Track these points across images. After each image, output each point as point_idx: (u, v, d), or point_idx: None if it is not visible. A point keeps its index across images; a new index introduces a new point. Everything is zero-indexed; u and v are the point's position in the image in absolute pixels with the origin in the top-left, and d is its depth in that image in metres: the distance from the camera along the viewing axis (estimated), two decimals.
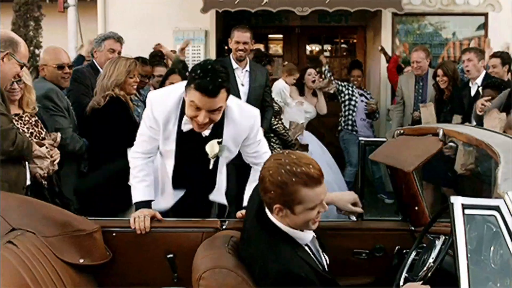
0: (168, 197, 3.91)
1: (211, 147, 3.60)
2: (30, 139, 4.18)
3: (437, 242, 3.03)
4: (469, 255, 1.82)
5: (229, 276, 2.70)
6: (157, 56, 7.83)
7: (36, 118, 4.53)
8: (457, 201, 1.84)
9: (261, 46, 11.30)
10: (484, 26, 9.88)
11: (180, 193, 3.89)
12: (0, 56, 3.81)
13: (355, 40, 11.85)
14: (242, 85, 6.39)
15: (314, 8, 8.90)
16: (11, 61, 3.86)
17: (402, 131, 3.49)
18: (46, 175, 4.29)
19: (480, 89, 6.39)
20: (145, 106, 5.81)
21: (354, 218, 3.73)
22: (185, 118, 3.50)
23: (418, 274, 3.01)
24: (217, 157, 3.68)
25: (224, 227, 3.56)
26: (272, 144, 6.72)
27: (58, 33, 10.59)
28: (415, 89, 7.80)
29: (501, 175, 1.88)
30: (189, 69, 3.68)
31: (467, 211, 1.83)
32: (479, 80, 6.60)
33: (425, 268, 2.96)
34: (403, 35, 10.02)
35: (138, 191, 3.75)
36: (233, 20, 9.96)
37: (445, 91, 6.99)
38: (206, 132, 3.57)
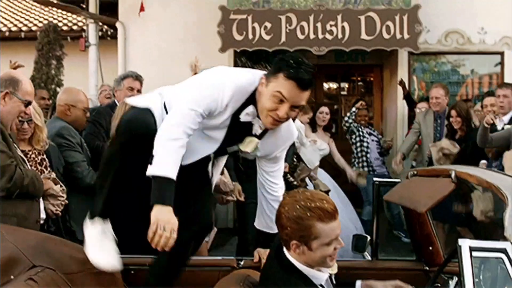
0: None
1: (249, 143, 3.26)
2: (45, 176, 4.28)
3: (450, 282, 3.07)
4: None
5: None
6: None
7: (44, 156, 4.56)
8: (465, 244, 1.89)
9: None
10: (501, 64, 9.93)
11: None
12: (0, 95, 3.87)
13: (371, 78, 11.94)
14: None
15: (331, 47, 9.07)
16: (12, 100, 3.91)
17: (415, 172, 3.55)
18: (58, 212, 4.38)
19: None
20: None
21: (368, 257, 3.77)
22: (248, 108, 3.14)
23: None
24: (239, 156, 3.50)
25: (240, 265, 3.62)
26: None
27: (79, 71, 10.79)
28: (434, 127, 7.82)
29: (508, 218, 1.93)
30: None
31: (474, 253, 1.88)
32: (506, 118, 6.49)
33: None
34: (419, 73, 10.10)
35: (167, 162, 2.95)
36: (251, 59, 10.12)
37: (458, 132, 6.99)
38: (259, 130, 3.25)
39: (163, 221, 2.83)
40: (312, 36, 9.07)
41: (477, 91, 9.98)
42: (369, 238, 3.77)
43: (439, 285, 3.24)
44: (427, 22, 9.40)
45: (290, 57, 3.03)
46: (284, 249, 2.83)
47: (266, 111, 3.04)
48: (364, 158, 8.65)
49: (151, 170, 2.90)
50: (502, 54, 9.90)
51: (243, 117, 3.15)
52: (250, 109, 3.13)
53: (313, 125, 8.31)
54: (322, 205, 2.69)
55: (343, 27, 9.05)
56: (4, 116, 3.90)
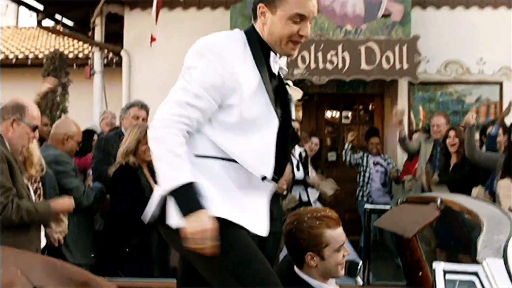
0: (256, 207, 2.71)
1: (293, 90, 2.87)
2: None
3: None
4: None
5: None
6: None
7: (39, 185, 4.59)
8: (439, 266, 2.00)
9: None
10: (499, 94, 10.06)
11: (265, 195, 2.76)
12: (8, 122, 3.94)
13: (373, 107, 12.05)
14: None
15: (332, 77, 9.22)
16: (20, 125, 3.98)
17: (405, 199, 3.66)
18: (61, 239, 4.48)
19: None
20: None
21: (360, 282, 3.86)
22: (273, 55, 2.71)
23: None
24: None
25: None
26: None
27: (84, 98, 10.95)
28: (432, 154, 7.87)
29: (481, 242, 2.03)
30: None
31: (448, 276, 1.99)
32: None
33: None
34: (419, 103, 10.23)
35: (183, 168, 2.51)
36: None
37: (453, 157, 7.00)
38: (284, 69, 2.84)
39: (199, 232, 2.42)
40: (313, 65, 9.23)
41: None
42: (361, 263, 3.86)
43: None
44: (426, 52, 9.57)
45: None
46: (295, 268, 2.97)
47: (287, 38, 2.65)
48: (365, 188, 8.75)
49: (171, 181, 2.49)
50: (501, 84, 10.03)
51: (274, 66, 2.71)
52: (273, 55, 2.71)
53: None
54: (327, 214, 2.92)
55: (343, 57, 9.21)
56: (14, 143, 3.98)
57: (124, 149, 5.31)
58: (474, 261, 2.01)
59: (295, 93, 2.86)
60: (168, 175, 2.52)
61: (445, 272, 2.00)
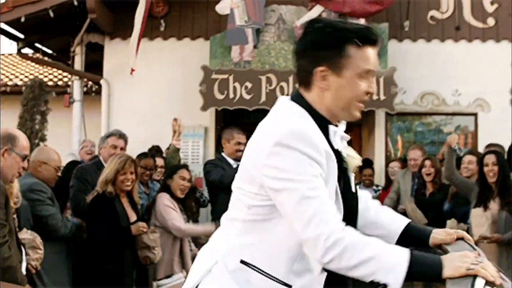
0: None
1: (351, 158, 2.45)
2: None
3: None
4: None
5: None
6: (154, 150, 8.20)
7: (14, 216, 4.39)
8: None
9: None
10: (475, 125, 10.24)
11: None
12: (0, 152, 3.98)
13: (351, 137, 12.15)
14: None
15: None
16: (11, 155, 4.02)
17: None
18: (38, 266, 4.49)
19: None
20: (149, 199, 6.11)
21: None
22: (333, 129, 2.31)
23: None
24: None
25: None
26: None
27: (63, 126, 10.96)
28: (412, 185, 7.99)
29: (448, 280, 2.08)
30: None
31: None
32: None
33: None
34: (397, 133, 10.36)
35: (394, 251, 2.08)
36: (232, 117, 10.34)
37: (428, 185, 7.17)
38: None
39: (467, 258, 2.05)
40: None
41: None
42: None
43: None
44: (403, 84, 9.70)
45: (344, 24, 2.33)
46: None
47: (357, 99, 2.32)
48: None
49: (394, 280, 2.00)
50: (476, 115, 10.21)
51: (337, 143, 2.32)
52: (333, 129, 2.32)
53: None
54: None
55: None
56: (6, 172, 4.01)
57: (103, 178, 5.37)
58: None
59: (355, 162, 2.46)
60: (387, 261, 2.04)
61: None
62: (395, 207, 7.91)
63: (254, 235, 2.30)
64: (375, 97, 9.24)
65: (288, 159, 2.14)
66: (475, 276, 2.00)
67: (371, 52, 2.29)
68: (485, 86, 10.01)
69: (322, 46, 2.27)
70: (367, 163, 9.54)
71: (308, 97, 2.34)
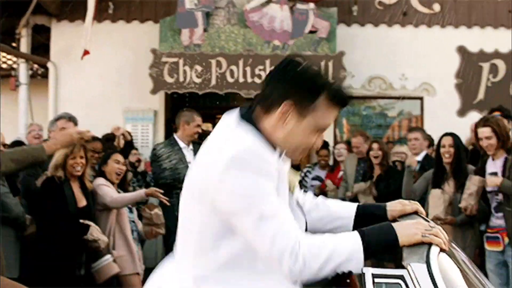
0: None
1: (293, 178, 2.50)
2: None
3: None
4: None
5: None
6: (109, 140, 8.15)
7: None
8: (368, 271, 2.13)
9: (209, 126, 11.60)
10: (421, 108, 10.47)
11: None
12: None
13: None
14: (190, 162, 6.58)
15: (259, 91, 9.35)
16: None
17: None
18: None
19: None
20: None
21: None
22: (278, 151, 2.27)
23: None
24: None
25: None
26: None
27: (10, 109, 10.71)
28: (356, 170, 8.13)
29: (405, 249, 2.18)
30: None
31: (376, 280, 2.12)
32: (420, 157, 7.07)
33: None
34: (344, 116, 10.50)
35: (346, 239, 2.14)
36: (182, 101, 10.34)
37: (377, 169, 7.28)
38: None
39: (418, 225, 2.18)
40: (241, 79, 9.39)
41: (398, 135, 10.49)
42: None
43: None
44: (351, 68, 9.83)
45: (326, 76, 2.32)
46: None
47: (302, 149, 2.33)
48: None
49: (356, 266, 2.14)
50: (422, 99, 10.44)
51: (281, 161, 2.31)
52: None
53: None
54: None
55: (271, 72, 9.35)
56: None
57: (54, 162, 5.31)
58: (399, 266, 2.14)
59: (295, 181, 2.50)
60: (343, 252, 2.12)
61: (373, 276, 2.13)
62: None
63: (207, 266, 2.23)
64: None
65: (242, 180, 2.10)
66: (430, 245, 2.10)
67: (336, 112, 2.29)
68: (430, 70, 10.25)
69: (299, 86, 2.24)
70: (324, 144, 9.63)
71: (263, 120, 2.28)
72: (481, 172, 5.78)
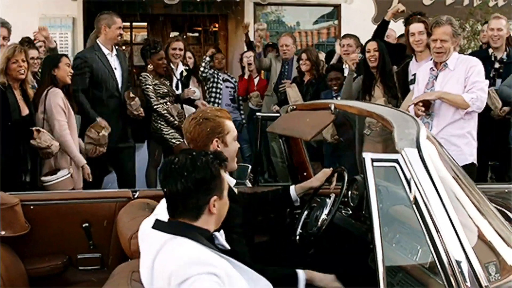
0: None
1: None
2: None
3: (328, 200, 3.49)
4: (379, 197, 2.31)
5: None
6: (26, 42, 7.86)
7: None
8: (368, 156, 2.33)
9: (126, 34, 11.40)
10: (337, 16, 10.69)
11: None
12: None
13: (216, 29, 12.22)
14: (115, 69, 6.49)
15: None
16: None
17: (295, 107, 3.95)
18: None
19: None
20: None
21: (249, 184, 4.18)
22: (217, 235, 2.54)
23: (312, 230, 3.45)
24: None
25: (135, 196, 3.88)
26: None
27: None
28: (281, 71, 8.27)
29: (396, 136, 2.39)
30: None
31: (375, 164, 2.33)
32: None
33: (318, 224, 3.40)
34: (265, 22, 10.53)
35: None
36: (98, 8, 10.07)
37: (306, 74, 7.49)
38: None
39: None
40: None
41: (317, 41, 10.73)
42: (250, 167, 4.17)
43: (315, 205, 3.64)
44: None
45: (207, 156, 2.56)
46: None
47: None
48: (215, 104, 8.82)
49: None
50: (339, 6, 10.64)
51: (220, 238, 2.55)
52: (216, 234, 2.53)
53: None
54: (223, 110, 3.35)
55: None
56: None
57: None
58: (393, 151, 2.36)
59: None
60: None
61: (372, 160, 2.33)
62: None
63: None
64: None
65: None
66: (419, 130, 2.47)
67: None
68: None
69: (209, 179, 2.42)
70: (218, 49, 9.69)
71: (196, 224, 2.43)
72: (404, 73, 6.07)
